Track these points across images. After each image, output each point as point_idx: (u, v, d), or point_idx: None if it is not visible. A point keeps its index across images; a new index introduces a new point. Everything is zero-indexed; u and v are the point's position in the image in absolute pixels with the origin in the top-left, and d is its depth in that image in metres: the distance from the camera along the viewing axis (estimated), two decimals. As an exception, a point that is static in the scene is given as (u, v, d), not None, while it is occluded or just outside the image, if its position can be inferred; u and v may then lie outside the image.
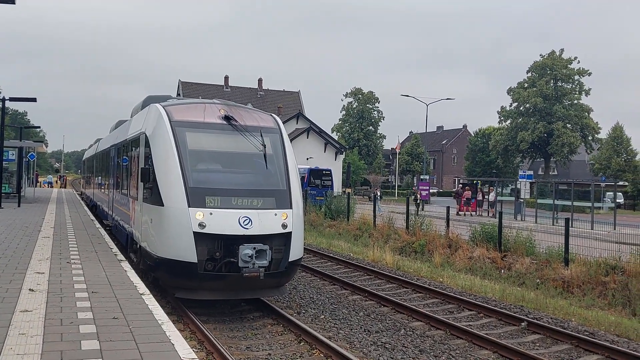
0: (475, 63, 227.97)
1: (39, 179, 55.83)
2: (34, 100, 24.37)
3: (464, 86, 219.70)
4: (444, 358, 8.45)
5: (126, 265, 10.46)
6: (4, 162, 24.04)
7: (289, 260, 9.66)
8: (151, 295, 8.12)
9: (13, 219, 18.29)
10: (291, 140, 11.47)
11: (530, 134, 66.86)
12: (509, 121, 71.65)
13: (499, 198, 36.50)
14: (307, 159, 49.57)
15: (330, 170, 40.05)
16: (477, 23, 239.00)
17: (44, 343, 5.63)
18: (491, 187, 38.44)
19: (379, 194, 40.97)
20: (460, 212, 36.33)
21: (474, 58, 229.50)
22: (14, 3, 11.96)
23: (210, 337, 8.26)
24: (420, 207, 33.01)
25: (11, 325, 6.18)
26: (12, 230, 15.02)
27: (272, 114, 11.60)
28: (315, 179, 37.85)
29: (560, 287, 13.36)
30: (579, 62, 67.61)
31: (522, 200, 34.75)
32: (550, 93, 66.69)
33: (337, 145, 59.88)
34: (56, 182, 64.86)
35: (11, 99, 24.02)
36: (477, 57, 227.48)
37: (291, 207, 9.88)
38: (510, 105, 71.49)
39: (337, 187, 45.79)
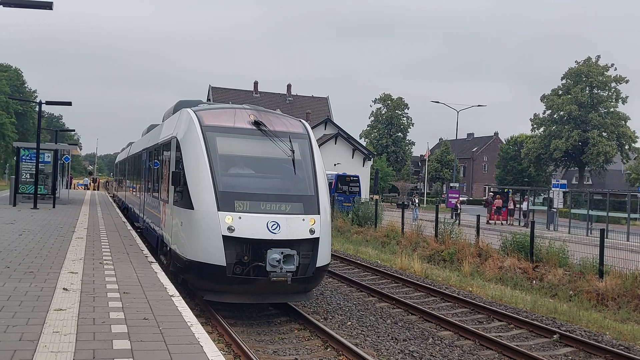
0: (507, 69, 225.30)
1: (73, 181, 56.98)
2: (69, 104, 25.01)
3: (496, 93, 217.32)
4: (472, 368, 8.32)
5: (157, 267, 10.59)
6: (40, 164, 24.62)
7: (317, 265, 9.65)
8: (181, 297, 8.21)
9: (48, 219, 18.73)
10: (319, 146, 11.50)
11: (564, 142, 65.74)
12: (542, 129, 70.60)
13: (530, 207, 35.90)
14: (335, 164, 49.61)
15: (357, 177, 39.97)
16: (509, 29, 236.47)
17: (77, 341, 5.73)
18: (525, 197, 37.84)
19: (417, 201, 40.12)
20: (490, 221, 35.87)
21: (506, 64, 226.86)
22: (52, 9, 12.27)
23: (238, 340, 8.30)
24: (458, 217, 32.33)
25: (46, 323, 6.31)
26: (47, 230, 15.37)
27: (301, 120, 11.64)
28: (342, 185, 37.81)
29: (594, 300, 13.04)
30: (615, 69, 66.41)
31: (554, 209, 34.11)
32: (585, 100, 65.51)
33: (365, 151, 59.79)
34: (90, 184, 66.20)
35: (47, 103, 24.65)
36: (510, 64, 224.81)
37: (319, 213, 9.88)
38: (544, 113, 70.44)
39: (365, 193, 45.68)
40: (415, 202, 39.08)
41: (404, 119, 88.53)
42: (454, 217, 32.00)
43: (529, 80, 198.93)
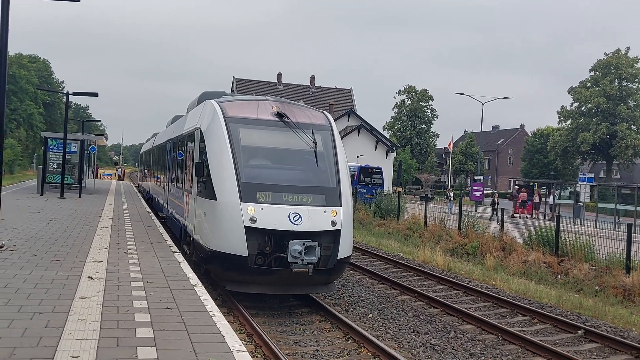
0: (534, 61, 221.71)
1: (99, 171, 57.77)
2: (95, 95, 25.31)
3: (522, 85, 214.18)
4: (495, 363, 8.25)
5: (180, 257, 10.70)
6: (66, 154, 25.00)
7: (338, 257, 9.64)
8: (203, 287, 8.28)
9: (75, 209, 19.04)
10: (342, 138, 11.47)
11: (591, 135, 64.51)
12: (569, 121, 69.32)
13: (557, 201, 35.37)
14: (358, 156, 49.45)
15: (380, 169, 39.81)
16: (537, 20, 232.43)
17: (101, 329, 5.82)
18: (551, 190, 37.29)
19: (452, 195, 37.97)
20: (515, 215, 35.46)
21: (534, 56, 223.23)
22: (79, 0, 12.39)
23: (260, 330, 8.34)
24: (496, 212, 29.99)
25: (71, 310, 6.42)
26: (73, 219, 15.63)
27: (324, 111, 11.62)
28: (365, 177, 37.70)
29: (621, 295, 12.82)
30: (645, 60, 64.69)
31: (581, 203, 33.56)
32: (614, 93, 64.08)
33: (389, 143, 59.47)
34: (114, 174, 66.98)
35: (74, 94, 25.01)
36: (537, 56, 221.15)
37: (341, 205, 9.87)
38: (571, 105, 69.14)
39: (388, 185, 45.50)
40: (450, 195, 36.79)
41: (428, 110, 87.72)
42: (492, 212, 30.82)
43: (556, 72, 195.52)
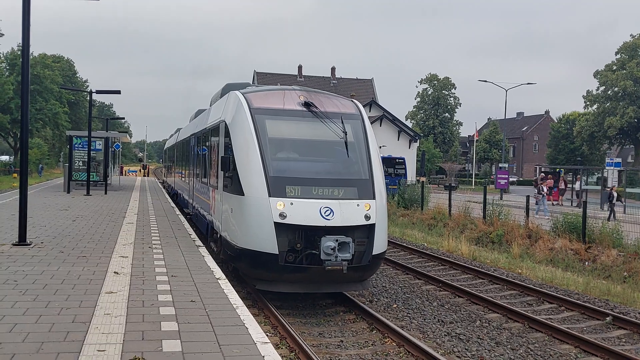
0: (566, 49, 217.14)
1: (124, 168, 58.52)
2: (118, 92, 25.54)
3: (548, 71, 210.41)
4: (521, 351, 8.16)
5: (204, 251, 10.78)
6: (91, 152, 25.37)
7: (373, 253, 9.17)
8: (227, 280, 8.34)
9: (100, 205, 19.33)
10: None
11: (619, 119, 63.20)
12: (595, 106, 68.06)
13: (584, 187, 34.74)
14: (380, 147, 48.93)
15: (403, 159, 39.52)
16: (580, 7, 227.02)
17: (127, 323, 5.90)
18: (578, 176, 36.65)
19: (545, 189, 26.70)
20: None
21: (567, 44, 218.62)
22: (99, -1, 12.51)
23: (284, 322, 8.36)
24: (612, 211, 23.15)
25: (97, 305, 6.53)
26: (99, 216, 15.87)
27: (354, 100, 11.16)
28: (388, 168, 37.40)
29: (651, 282, 12.57)
30: (674, 41, 63.09)
31: (609, 189, 32.87)
32: (641, 75, 62.62)
33: (411, 133, 58.99)
34: (139, 170, 67.83)
35: (98, 92, 25.32)
36: (570, 43, 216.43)
37: (374, 198, 9.42)
38: (597, 89, 67.85)
39: (411, 175, 45.16)
40: (543, 189, 25.83)
41: (451, 99, 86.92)
42: (609, 209, 24.05)
43: (587, 58, 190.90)
